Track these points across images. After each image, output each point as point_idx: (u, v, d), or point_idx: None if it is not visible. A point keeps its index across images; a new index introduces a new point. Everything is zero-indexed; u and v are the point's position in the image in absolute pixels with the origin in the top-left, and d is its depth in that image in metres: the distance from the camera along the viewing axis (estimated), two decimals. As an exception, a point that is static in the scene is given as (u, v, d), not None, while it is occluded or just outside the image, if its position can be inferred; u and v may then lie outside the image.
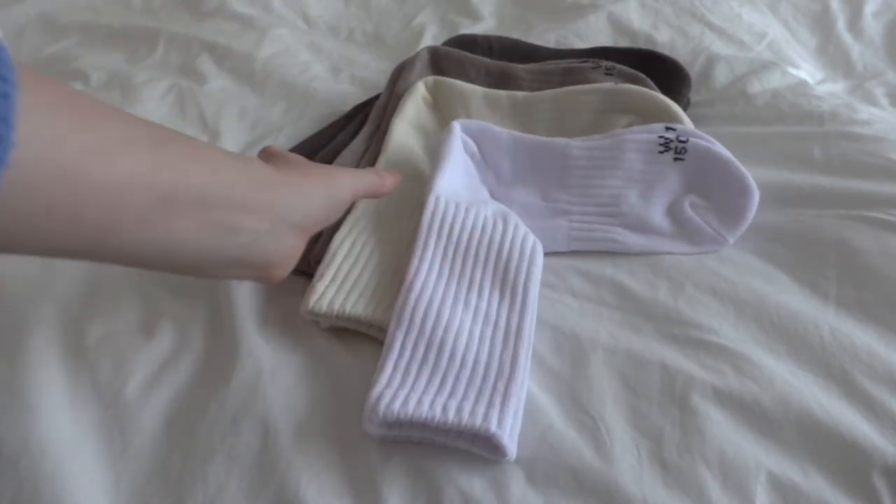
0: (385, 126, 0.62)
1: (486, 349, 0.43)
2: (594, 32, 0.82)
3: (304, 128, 0.70)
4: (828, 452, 0.39)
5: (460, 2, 0.92)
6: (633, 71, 0.65)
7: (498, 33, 0.84)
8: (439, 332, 0.43)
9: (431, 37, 0.86)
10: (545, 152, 0.56)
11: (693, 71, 0.71)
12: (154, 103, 0.72)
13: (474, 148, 0.57)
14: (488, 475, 0.39)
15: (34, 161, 0.27)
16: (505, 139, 0.57)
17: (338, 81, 0.78)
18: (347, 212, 0.53)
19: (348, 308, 0.46)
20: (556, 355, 0.45)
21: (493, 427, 0.38)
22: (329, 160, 0.60)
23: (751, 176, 0.53)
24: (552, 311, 0.48)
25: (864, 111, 0.64)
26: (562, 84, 0.65)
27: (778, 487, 0.38)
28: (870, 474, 0.38)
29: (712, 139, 0.55)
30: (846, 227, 0.51)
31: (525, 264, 0.48)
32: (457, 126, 0.55)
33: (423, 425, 0.38)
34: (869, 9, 0.89)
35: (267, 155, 0.45)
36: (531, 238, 0.50)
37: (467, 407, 0.39)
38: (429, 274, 0.46)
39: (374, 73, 0.79)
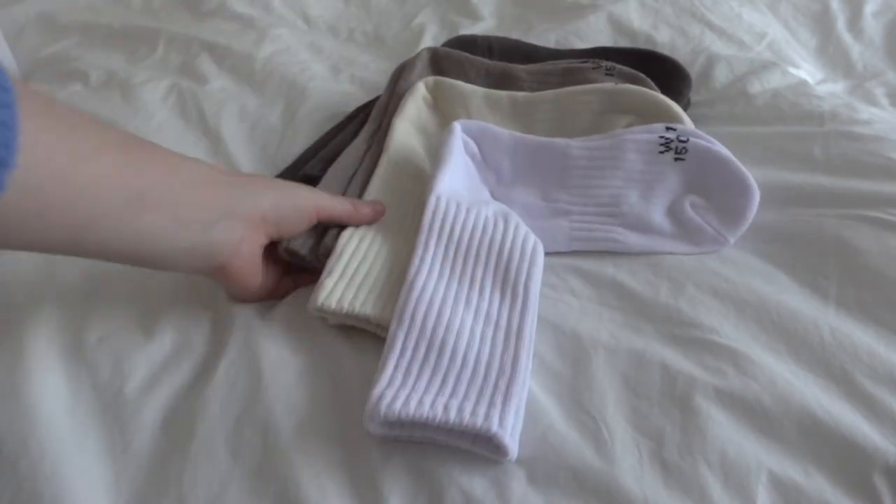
0: (386, 126, 0.62)
1: (487, 349, 0.43)
2: (594, 32, 0.82)
3: (305, 128, 0.70)
4: (828, 452, 0.39)
5: (460, 2, 0.92)
6: (633, 71, 0.65)
7: (498, 33, 0.84)
8: (440, 332, 0.43)
9: (431, 37, 0.86)
10: (546, 152, 0.56)
11: (693, 71, 0.71)
12: (154, 104, 0.72)
13: (475, 148, 0.57)
14: (489, 475, 0.39)
15: (34, 165, 0.30)
16: (505, 139, 0.57)
17: (338, 81, 0.78)
18: None
19: (357, 307, 0.46)
20: (557, 355, 0.45)
21: (495, 427, 0.38)
22: (330, 160, 0.60)
23: (751, 176, 0.53)
24: (553, 311, 0.48)
25: (865, 111, 0.64)
26: (562, 84, 0.65)
27: (779, 487, 0.38)
28: (870, 474, 0.38)
29: (713, 139, 0.55)
30: (846, 226, 0.51)
31: (526, 264, 0.48)
32: (457, 126, 0.55)
33: (424, 425, 0.38)
34: (869, 9, 0.89)
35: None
36: (532, 238, 0.50)
37: (468, 407, 0.39)
38: (430, 273, 0.46)
39: (374, 73, 0.79)
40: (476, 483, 0.38)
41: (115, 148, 0.37)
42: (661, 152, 0.55)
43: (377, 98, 0.67)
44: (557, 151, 0.56)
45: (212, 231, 0.41)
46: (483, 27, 0.87)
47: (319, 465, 0.40)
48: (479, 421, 0.38)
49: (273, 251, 0.49)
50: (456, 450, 0.39)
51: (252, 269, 0.46)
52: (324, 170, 0.59)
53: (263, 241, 0.46)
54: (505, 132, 0.57)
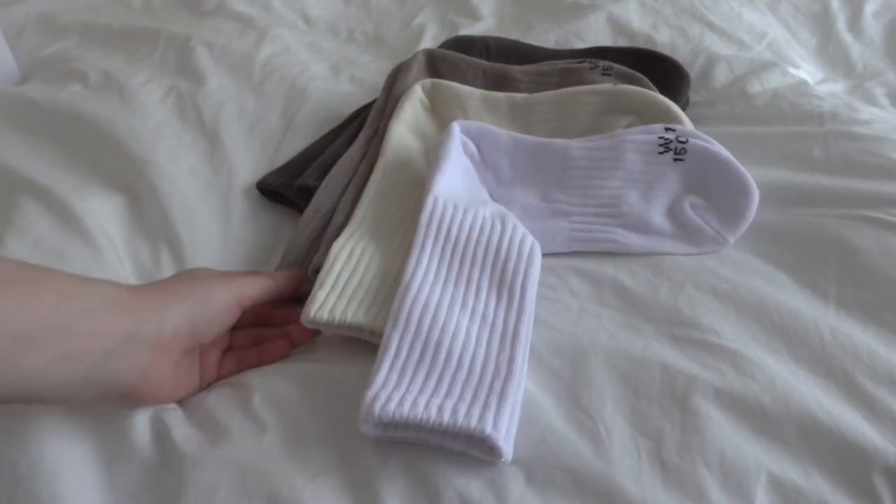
0: (382, 130, 0.62)
1: (482, 350, 0.43)
2: (594, 32, 0.82)
3: (304, 128, 0.70)
4: (828, 453, 0.39)
5: (460, 2, 0.92)
6: (630, 71, 0.65)
7: (498, 33, 0.84)
8: (436, 333, 0.43)
9: (431, 37, 0.86)
10: (545, 153, 0.56)
11: (693, 71, 0.71)
12: (153, 105, 0.72)
13: (474, 149, 0.57)
14: (487, 476, 0.38)
15: None
16: (505, 140, 0.57)
17: (338, 82, 0.78)
18: (344, 221, 0.53)
19: (349, 317, 0.46)
20: (555, 355, 0.45)
21: (489, 428, 0.37)
22: (328, 167, 0.59)
23: (751, 176, 0.53)
24: (552, 311, 0.48)
25: (865, 111, 0.64)
26: (559, 85, 0.64)
27: (778, 488, 0.38)
28: (870, 475, 0.38)
29: (712, 139, 0.55)
30: (846, 226, 0.51)
31: (523, 265, 0.48)
32: (456, 127, 0.55)
33: (418, 426, 0.38)
34: (869, 9, 0.89)
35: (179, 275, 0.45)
36: (529, 239, 0.50)
37: (462, 408, 0.39)
38: (426, 275, 0.46)
39: (374, 73, 0.79)
40: (473, 485, 0.38)
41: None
42: (661, 153, 0.55)
43: (375, 101, 0.67)
44: (557, 152, 0.56)
45: (110, 361, 0.37)
46: (483, 27, 0.87)
47: (316, 467, 0.39)
48: (473, 422, 0.38)
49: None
50: (452, 451, 0.39)
51: (164, 389, 0.42)
52: (321, 178, 0.58)
53: (176, 356, 0.42)
54: (504, 133, 0.57)
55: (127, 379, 0.39)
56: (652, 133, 0.56)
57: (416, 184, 0.56)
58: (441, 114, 0.64)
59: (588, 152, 0.56)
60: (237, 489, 0.39)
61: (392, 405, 0.38)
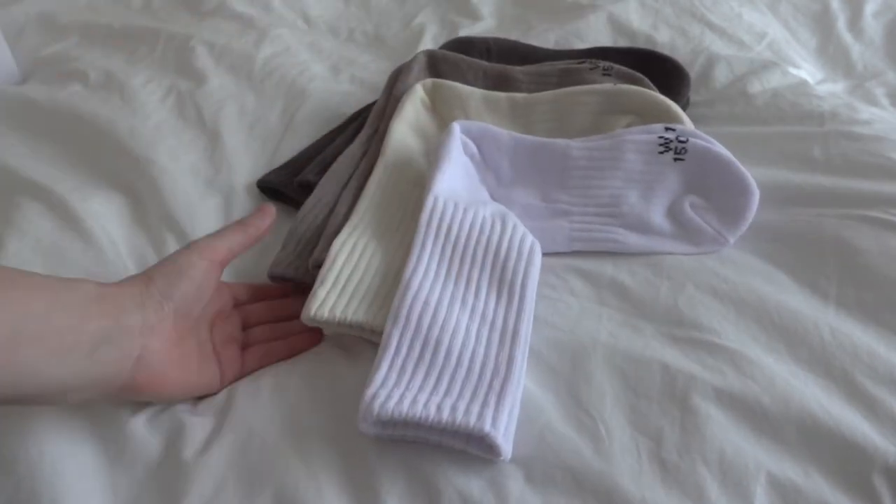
0: (383, 129, 0.62)
1: (482, 349, 0.43)
2: (594, 32, 0.82)
3: (304, 128, 0.70)
4: (828, 453, 0.39)
5: (460, 2, 0.92)
6: (631, 71, 0.65)
7: (498, 33, 0.84)
8: (435, 332, 0.43)
9: (431, 37, 0.86)
10: (545, 153, 0.56)
11: (693, 71, 0.71)
12: (153, 104, 0.72)
13: (474, 149, 0.57)
14: (486, 475, 0.38)
15: None
16: (505, 140, 0.57)
17: (338, 82, 0.78)
18: (345, 218, 0.53)
19: (350, 315, 0.46)
20: (555, 354, 0.45)
21: (487, 427, 0.37)
22: (327, 165, 0.60)
23: (751, 176, 0.53)
24: (552, 311, 0.48)
25: (865, 111, 0.64)
26: (559, 85, 0.65)
27: (778, 488, 0.38)
28: (870, 475, 0.38)
29: (712, 139, 0.55)
30: (846, 226, 0.51)
31: (523, 264, 0.48)
32: (456, 127, 0.55)
33: (417, 425, 0.38)
34: (869, 9, 0.89)
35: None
36: (529, 238, 0.50)
37: (462, 406, 0.39)
38: (426, 273, 0.46)
39: (374, 73, 0.79)
40: (473, 483, 0.38)
41: None
42: (661, 152, 0.55)
43: (375, 102, 0.67)
44: (557, 152, 0.56)
45: (100, 351, 0.37)
46: (483, 27, 0.87)
47: (316, 466, 0.40)
48: (472, 420, 0.38)
49: (222, 334, 0.47)
50: (452, 450, 0.39)
51: (169, 379, 0.41)
52: (321, 174, 0.59)
53: (173, 335, 0.42)
54: (504, 133, 0.57)
55: (122, 367, 0.39)
56: (652, 133, 0.56)
57: (416, 182, 0.56)
58: (442, 113, 0.64)
59: (588, 152, 0.56)
60: (242, 489, 0.39)
61: (391, 403, 0.38)
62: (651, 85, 0.64)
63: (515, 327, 0.44)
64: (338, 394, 0.44)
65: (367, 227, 0.52)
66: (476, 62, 0.69)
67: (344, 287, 0.47)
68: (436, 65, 0.68)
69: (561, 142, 0.56)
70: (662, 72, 0.68)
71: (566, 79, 0.66)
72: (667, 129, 0.56)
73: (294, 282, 0.51)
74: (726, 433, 0.40)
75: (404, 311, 0.43)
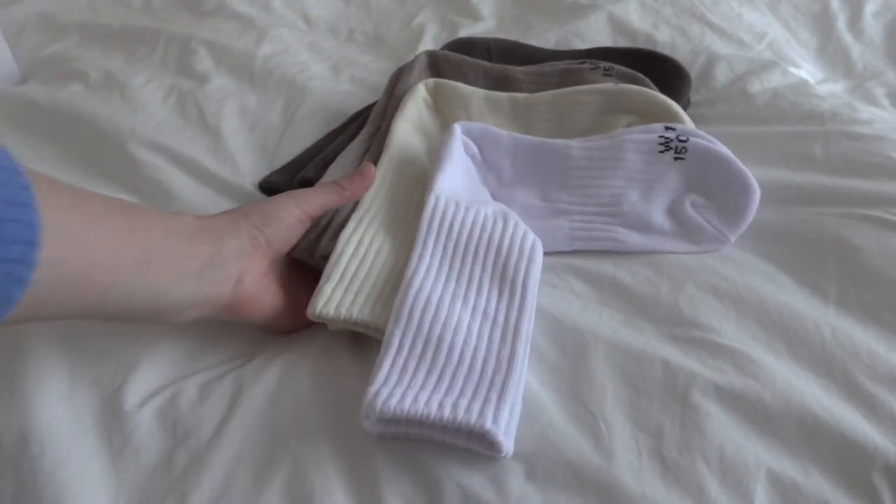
0: (385, 128, 0.62)
1: (483, 346, 0.43)
2: (594, 32, 0.82)
3: (304, 127, 0.70)
4: (828, 451, 0.39)
5: (460, 2, 0.92)
6: (631, 71, 0.65)
7: (498, 33, 0.84)
8: (437, 330, 0.43)
9: (431, 37, 0.86)
10: (546, 153, 0.57)
11: (693, 70, 0.71)
12: (154, 104, 0.72)
13: (475, 150, 0.57)
14: (488, 471, 0.39)
15: (54, 239, 0.32)
16: (505, 141, 0.57)
17: (338, 81, 0.78)
18: (352, 210, 0.53)
19: (355, 312, 0.46)
20: (556, 351, 0.45)
21: (489, 424, 0.38)
22: (328, 162, 0.60)
23: (752, 175, 0.53)
24: (554, 309, 0.48)
25: (865, 111, 0.64)
26: (560, 85, 0.65)
27: (777, 485, 0.38)
28: (870, 473, 0.38)
29: (713, 138, 0.55)
30: (847, 225, 0.51)
31: (524, 262, 0.48)
32: (457, 128, 0.55)
33: (419, 422, 0.38)
34: (869, 9, 0.89)
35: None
36: (531, 236, 0.50)
37: (463, 404, 0.39)
38: (428, 272, 0.46)
39: (374, 73, 0.79)
40: (474, 479, 0.38)
41: (117, 212, 0.39)
42: (661, 152, 0.55)
43: (375, 103, 0.67)
44: (557, 152, 0.56)
45: (207, 274, 0.42)
46: (483, 27, 0.87)
47: (323, 460, 0.40)
48: (473, 418, 0.38)
49: (293, 276, 0.50)
50: (454, 447, 0.39)
51: (260, 296, 0.46)
52: (320, 173, 0.59)
53: (264, 264, 0.46)
54: (505, 133, 0.57)
55: (225, 288, 0.43)
56: (652, 132, 0.56)
57: (419, 180, 0.56)
58: (444, 113, 0.64)
59: (588, 152, 0.56)
60: (252, 480, 0.39)
61: (393, 401, 0.38)
62: (652, 85, 0.64)
63: (517, 324, 0.44)
64: (343, 389, 0.44)
65: (373, 221, 0.52)
66: (477, 62, 0.69)
67: (350, 283, 0.47)
68: (437, 65, 0.68)
69: (561, 142, 0.57)
70: (663, 72, 0.68)
71: (567, 79, 0.66)
72: (667, 128, 0.56)
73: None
74: (727, 431, 0.40)
75: (406, 310, 0.43)
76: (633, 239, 0.53)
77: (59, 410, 0.43)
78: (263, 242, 0.46)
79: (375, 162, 0.58)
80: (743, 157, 0.54)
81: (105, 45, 0.84)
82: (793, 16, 0.89)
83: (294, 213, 0.47)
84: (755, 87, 0.68)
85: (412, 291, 0.44)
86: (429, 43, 0.85)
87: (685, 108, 0.65)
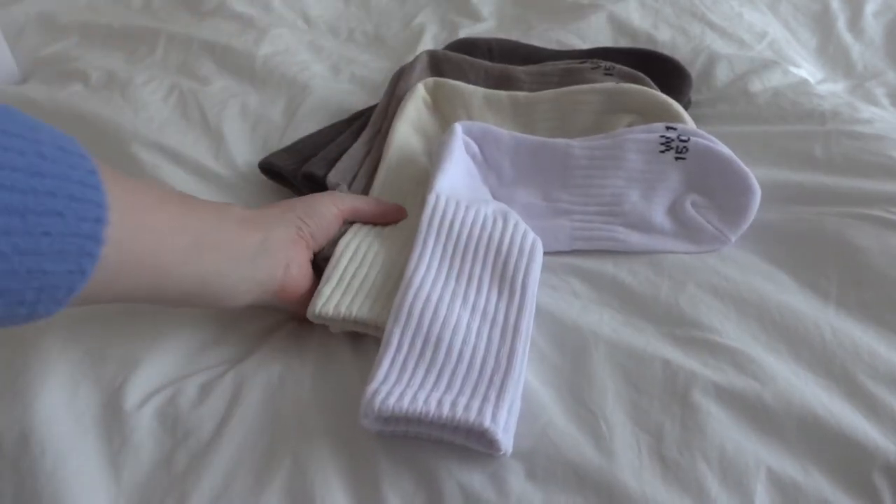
0: (386, 129, 0.62)
1: (482, 345, 0.43)
2: (594, 32, 0.82)
3: (305, 126, 0.70)
4: (828, 451, 0.39)
5: (460, 2, 0.92)
6: (632, 71, 0.65)
7: (498, 33, 0.84)
8: (437, 328, 0.43)
9: (431, 36, 0.86)
10: (546, 153, 0.56)
11: (694, 70, 0.71)
12: (155, 104, 0.72)
13: (476, 149, 0.57)
14: (488, 470, 0.39)
15: (118, 220, 0.33)
16: (506, 140, 0.57)
17: (338, 81, 0.78)
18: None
19: (355, 311, 0.46)
20: (557, 350, 0.45)
21: (487, 422, 0.38)
22: (332, 160, 0.60)
23: (752, 174, 0.53)
24: (554, 308, 0.48)
25: (866, 110, 0.64)
26: (561, 85, 0.64)
27: (778, 485, 0.38)
28: (870, 473, 0.38)
29: (713, 138, 0.55)
30: (847, 225, 0.51)
31: (524, 261, 0.48)
32: (458, 127, 0.55)
33: (418, 420, 0.39)
34: (869, 9, 0.89)
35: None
36: (531, 235, 0.50)
37: (462, 402, 0.39)
38: (427, 270, 0.46)
39: (374, 72, 0.79)
40: (475, 478, 0.38)
41: (171, 200, 0.40)
42: (662, 152, 0.55)
43: (377, 104, 0.66)
44: (558, 151, 0.56)
45: (258, 259, 0.44)
46: (483, 27, 0.87)
47: (323, 459, 0.40)
48: (472, 416, 0.38)
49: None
50: (453, 445, 0.39)
51: (303, 283, 0.47)
52: (326, 169, 0.58)
53: (308, 254, 0.49)
54: (505, 133, 0.57)
55: (276, 273, 0.45)
56: (653, 132, 0.56)
57: (419, 181, 0.56)
58: (444, 112, 0.64)
59: (589, 151, 0.56)
60: (252, 479, 0.39)
61: (392, 399, 0.39)
62: (653, 85, 0.64)
63: (516, 324, 0.44)
64: (343, 388, 0.44)
65: (371, 226, 0.53)
66: (478, 62, 0.69)
67: (349, 284, 0.48)
68: (438, 65, 0.68)
69: (562, 141, 0.56)
70: (664, 72, 0.68)
71: (568, 78, 0.66)
72: (668, 128, 0.56)
73: None
74: (727, 430, 0.40)
75: (406, 309, 0.43)
76: (634, 239, 0.53)
77: (59, 410, 0.43)
78: (308, 234, 0.48)
79: (376, 166, 0.58)
80: (744, 157, 0.54)
81: (105, 45, 0.85)
82: (793, 15, 0.89)
83: (332, 210, 0.50)
84: (756, 86, 0.68)
85: (412, 290, 0.44)
86: (429, 43, 0.85)
87: (686, 107, 0.65)
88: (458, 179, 0.53)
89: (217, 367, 0.47)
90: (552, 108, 0.63)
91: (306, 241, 0.48)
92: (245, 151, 0.67)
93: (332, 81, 0.77)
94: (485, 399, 0.40)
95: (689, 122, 0.59)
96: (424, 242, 0.47)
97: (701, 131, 0.56)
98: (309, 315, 0.47)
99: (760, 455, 0.39)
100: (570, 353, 0.45)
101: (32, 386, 0.43)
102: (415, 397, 0.39)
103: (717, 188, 0.54)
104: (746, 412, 0.41)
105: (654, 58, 0.71)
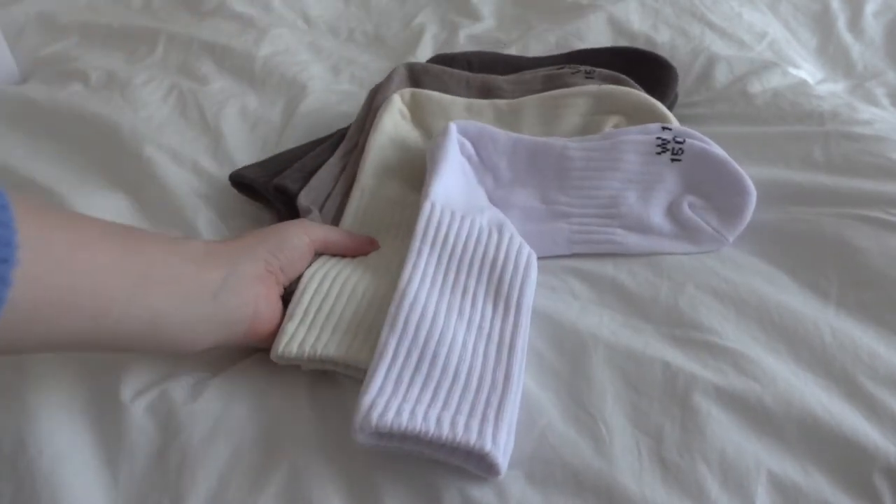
0: (362, 143, 0.60)
1: (479, 361, 0.41)
2: (594, 33, 0.81)
3: (304, 127, 0.70)
4: (829, 452, 0.39)
5: (460, 2, 0.92)
6: (613, 73, 0.65)
7: (498, 33, 0.84)
8: (433, 342, 0.41)
9: (431, 36, 0.86)
10: (543, 153, 0.56)
11: (693, 70, 0.71)
12: (155, 104, 0.72)
13: (471, 150, 0.56)
14: (488, 474, 0.38)
15: (33, 257, 0.32)
16: (503, 140, 0.57)
17: (338, 81, 0.78)
18: None
19: (320, 349, 0.43)
20: (556, 353, 0.45)
21: (488, 445, 0.36)
22: (308, 171, 0.58)
23: (748, 175, 0.53)
24: (553, 310, 0.48)
25: (865, 111, 0.64)
26: (543, 91, 0.63)
27: (778, 487, 0.38)
28: (871, 474, 0.38)
29: (708, 139, 0.55)
30: (847, 226, 0.51)
31: (519, 278, 0.47)
32: (453, 127, 0.55)
33: (416, 438, 0.37)
34: (869, 9, 0.89)
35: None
36: (525, 250, 0.49)
37: (461, 421, 0.38)
38: (422, 282, 0.44)
39: (374, 73, 0.79)
40: (474, 482, 0.38)
41: (114, 236, 0.38)
42: (658, 153, 0.55)
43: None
44: (555, 152, 0.56)
45: (221, 296, 0.41)
46: (483, 27, 0.87)
47: (318, 466, 0.40)
48: (473, 437, 0.36)
49: None
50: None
51: (274, 320, 0.45)
52: (300, 182, 0.57)
53: (278, 289, 0.46)
54: (502, 133, 0.57)
55: (243, 313, 0.42)
56: (649, 133, 0.55)
57: (396, 201, 0.55)
58: (424, 124, 0.63)
59: (586, 153, 0.56)
60: (248, 481, 0.39)
61: (390, 414, 0.37)
62: (635, 84, 0.63)
63: (512, 341, 0.43)
64: (340, 391, 0.44)
65: (340, 257, 0.50)
66: (458, 73, 0.66)
67: (314, 320, 0.44)
68: (417, 77, 0.66)
69: (559, 142, 0.56)
70: (646, 66, 0.67)
71: (549, 84, 0.65)
72: (664, 128, 0.55)
73: None
74: (727, 432, 0.40)
75: (402, 318, 0.41)
76: (633, 240, 0.53)
77: (56, 410, 0.43)
78: (277, 268, 0.45)
79: (351, 184, 0.57)
80: (743, 158, 0.54)
81: (105, 45, 0.85)
82: (793, 16, 0.89)
83: (303, 239, 0.47)
84: (755, 87, 0.68)
85: (407, 300, 0.42)
86: (429, 43, 0.85)
87: (674, 102, 0.65)
88: (452, 183, 0.52)
89: (212, 365, 0.47)
90: (536, 113, 0.62)
91: (276, 276, 0.45)
92: (244, 151, 0.67)
93: (331, 82, 0.77)
94: (483, 419, 0.38)
95: (673, 122, 0.59)
96: (419, 252, 0.46)
97: (694, 132, 0.56)
98: (273, 356, 0.43)
99: (761, 457, 0.39)
100: (569, 355, 0.45)
101: (29, 387, 0.43)
102: (413, 413, 0.37)
103: (713, 189, 0.54)
104: (747, 414, 0.41)
105: (634, 54, 0.70)
